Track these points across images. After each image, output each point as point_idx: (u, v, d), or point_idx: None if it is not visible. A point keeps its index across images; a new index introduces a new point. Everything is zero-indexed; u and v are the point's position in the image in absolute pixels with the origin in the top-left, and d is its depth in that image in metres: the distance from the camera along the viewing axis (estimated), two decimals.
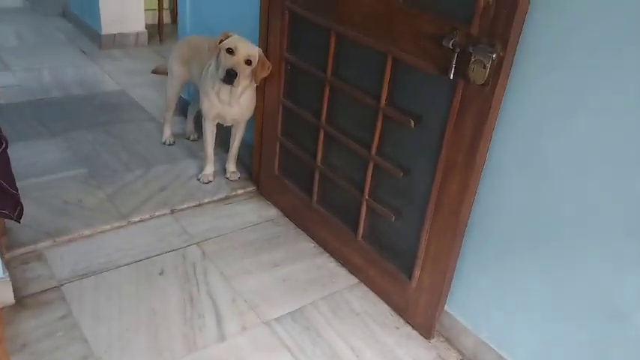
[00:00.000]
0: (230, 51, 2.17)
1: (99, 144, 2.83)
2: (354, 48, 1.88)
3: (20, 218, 1.08)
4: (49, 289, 1.89)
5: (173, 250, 2.15)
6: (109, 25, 4.19)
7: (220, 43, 2.20)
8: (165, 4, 4.64)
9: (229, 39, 2.20)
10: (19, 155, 2.53)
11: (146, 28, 4.43)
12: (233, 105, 2.37)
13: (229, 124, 2.52)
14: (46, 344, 1.69)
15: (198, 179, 2.59)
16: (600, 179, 1.36)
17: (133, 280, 1.98)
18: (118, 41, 4.27)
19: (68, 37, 4.40)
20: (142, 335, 1.77)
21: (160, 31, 4.52)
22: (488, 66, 1.44)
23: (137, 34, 4.35)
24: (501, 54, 1.42)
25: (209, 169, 2.61)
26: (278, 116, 2.32)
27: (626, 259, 1.34)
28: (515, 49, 1.43)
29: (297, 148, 2.28)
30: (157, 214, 2.33)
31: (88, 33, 4.39)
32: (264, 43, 2.27)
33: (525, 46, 1.42)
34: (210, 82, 2.35)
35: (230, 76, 2.16)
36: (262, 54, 2.23)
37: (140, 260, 2.08)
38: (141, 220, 2.29)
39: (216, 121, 2.50)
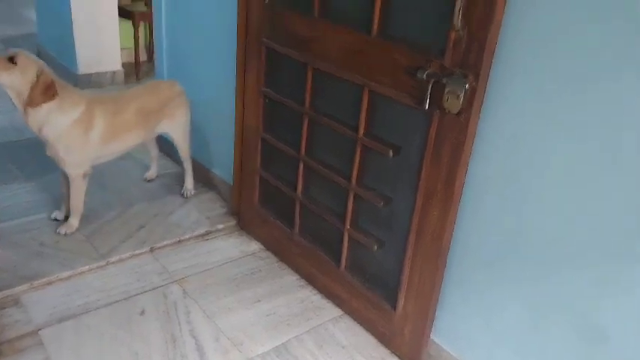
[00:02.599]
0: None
1: None
2: (331, 81, 1.91)
3: None
4: (26, 334, 1.84)
5: (153, 289, 2.11)
6: (85, 66, 4.18)
7: None
8: (142, 42, 4.67)
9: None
10: None
11: (122, 66, 4.44)
12: (40, 125, 2.18)
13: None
14: None
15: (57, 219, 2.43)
16: (576, 203, 1.39)
17: (113, 322, 1.93)
18: (94, 80, 4.26)
19: None
20: None
21: (137, 70, 4.54)
22: (462, 96, 1.48)
23: (114, 73, 4.35)
24: (474, 84, 1.47)
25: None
26: (257, 149, 2.33)
27: (605, 280, 1.37)
28: (487, 79, 1.48)
29: (277, 181, 2.29)
30: (136, 252, 2.29)
31: (64, 73, 4.34)
32: (242, 79, 2.29)
33: (497, 76, 1.47)
34: None
35: None
36: (45, 70, 2.12)
37: (120, 301, 2.03)
38: (120, 260, 2.25)
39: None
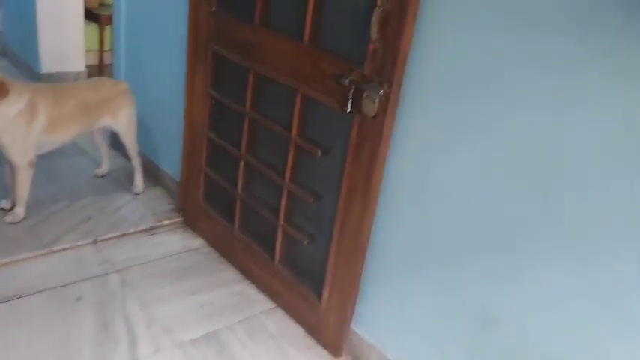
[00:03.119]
0: None
1: None
2: (270, 85, 2.04)
3: None
4: None
5: (92, 278, 2.19)
6: (48, 65, 4.24)
7: None
8: (107, 46, 4.74)
9: None
10: None
11: (87, 67, 4.51)
12: None
13: None
14: None
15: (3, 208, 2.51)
16: (473, 202, 1.54)
17: (47, 308, 2.00)
18: (57, 80, 4.31)
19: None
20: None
21: (101, 71, 4.61)
22: (377, 101, 1.62)
23: (77, 74, 4.42)
24: (388, 91, 1.61)
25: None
26: (203, 148, 2.44)
27: (496, 271, 1.52)
28: (401, 87, 1.62)
29: (220, 178, 2.40)
30: (79, 243, 2.36)
31: (27, 71, 4.42)
32: (191, 81, 2.41)
33: (410, 84, 1.62)
34: None
35: None
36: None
37: (57, 287, 2.10)
38: (62, 249, 2.32)
39: None
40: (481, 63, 1.46)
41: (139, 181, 2.85)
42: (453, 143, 1.56)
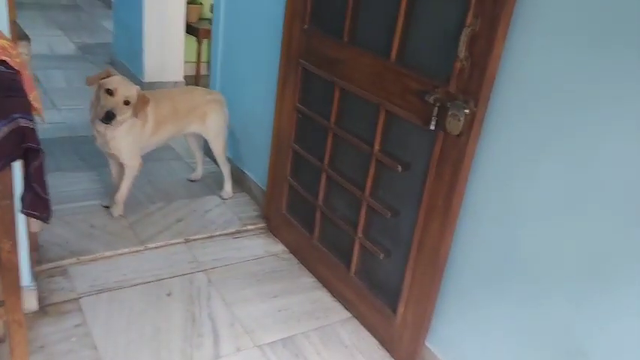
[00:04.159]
0: (110, 92, 2.33)
1: None
2: (354, 100, 2.11)
3: (47, 220, 1.29)
4: (68, 300, 2.10)
5: (182, 275, 2.35)
6: (150, 74, 4.58)
7: (101, 80, 2.37)
8: (204, 58, 5.04)
9: (110, 79, 2.36)
10: (56, 183, 2.82)
11: (185, 78, 4.82)
12: (110, 138, 2.49)
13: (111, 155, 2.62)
14: (61, 347, 1.88)
15: (105, 206, 2.70)
16: (563, 227, 1.50)
17: (142, 299, 2.17)
18: (157, 89, 4.66)
19: None
20: (145, 348, 1.94)
21: (197, 82, 4.91)
22: (462, 119, 1.63)
23: (175, 83, 4.73)
24: (474, 109, 1.62)
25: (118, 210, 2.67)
26: (288, 159, 2.55)
27: (585, 299, 1.47)
28: (487, 106, 1.62)
29: (302, 189, 2.49)
30: (171, 242, 2.54)
31: (132, 80, 4.78)
32: (281, 94, 2.53)
33: (496, 103, 1.61)
34: (93, 115, 2.48)
35: (109, 117, 2.31)
36: (141, 91, 2.44)
37: (151, 282, 2.28)
38: (156, 247, 2.50)
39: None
40: (572, 83, 1.43)
41: (228, 187, 3.01)
42: (540, 165, 1.54)
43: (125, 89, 2.38)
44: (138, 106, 2.43)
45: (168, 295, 2.22)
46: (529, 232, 1.60)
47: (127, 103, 2.38)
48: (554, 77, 1.47)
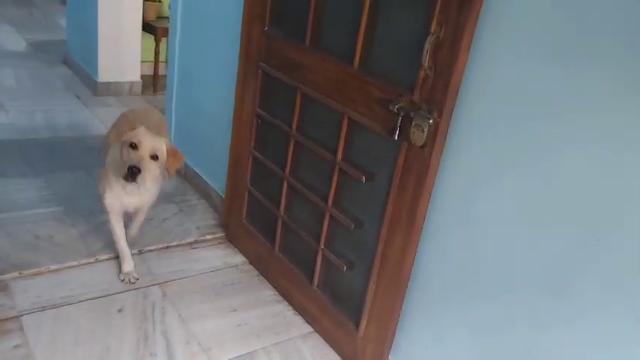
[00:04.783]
0: (134, 145, 1.97)
1: (80, 185, 2.94)
2: (317, 107, 2.03)
3: None
4: (8, 318, 1.95)
5: (135, 289, 2.22)
6: (105, 74, 4.40)
7: (124, 134, 2.01)
8: (162, 57, 4.88)
9: (134, 132, 2.00)
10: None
11: (142, 78, 4.66)
12: (137, 195, 2.19)
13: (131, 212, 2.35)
14: None
15: (122, 280, 2.26)
16: (521, 239, 1.47)
17: (91, 316, 2.04)
18: (113, 89, 4.48)
19: (66, 83, 4.60)
20: None
21: (155, 82, 4.74)
22: (426, 130, 1.58)
23: (132, 83, 4.56)
24: (438, 120, 1.57)
25: (128, 265, 2.29)
26: (248, 166, 2.45)
27: (545, 315, 1.43)
28: (451, 117, 1.58)
29: (263, 198, 2.40)
30: None
31: (86, 80, 4.60)
32: (240, 98, 2.43)
33: (461, 114, 1.57)
34: (115, 173, 2.10)
35: (133, 174, 1.92)
36: (170, 145, 2.09)
37: (101, 297, 2.14)
38: (108, 259, 2.37)
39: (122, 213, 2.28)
40: (536, 95, 1.39)
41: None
42: (503, 177, 1.50)
43: (152, 141, 2.00)
44: (170, 162, 2.06)
45: (120, 311, 2.09)
46: (491, 245, 1.56)
47: (154, 157, 2.01)
48: (518, 89, 1.43)
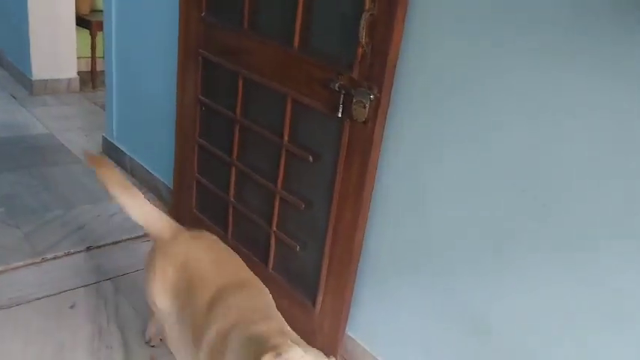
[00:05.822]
0: None
1: (21, 185, 2.84)
2: (260, 91, 2.05)
3: None
4: None
5: (86, 286, 2.18)
6: (40, 71, 4.24)
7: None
8: (99, 52, 4.73)
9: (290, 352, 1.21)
10: None
11: (80, 74, 4.51)
12: None
13: None
14: None
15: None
16: (465, 207, 1.54)
17: (42, 315, 1.99)
18: (49, 87, 4.32)
19: (0, 84, 4.41)
20: None
21: (93, 78, 4.61)
22: (368, 106, 1.63)
23: (69, 80, 4.42)
24: (378, 95, 1.62)
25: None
26: (194, 155, 2.44)
27: (490, 279, 1.52)
28: (391, 92, 1.63)
29: (212, 186, 2.40)
30: (72, 251, 2.36)
31: (20, 79, 4.42)
32: (182, 87, 2.41)
33: (400, 90, 1.62)
34: None
35: None
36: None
37: (51, 295, 2.09)
38: (55, 257, 2.31)
39: None
40: (470, 68, 1.46)
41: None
42: (444, 149, 1.56)
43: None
44: None
45: (72, 307, 2.05)
46: (436, 216, 1.63)
47: None
48: (452, 62, 1.49)
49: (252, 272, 1.66)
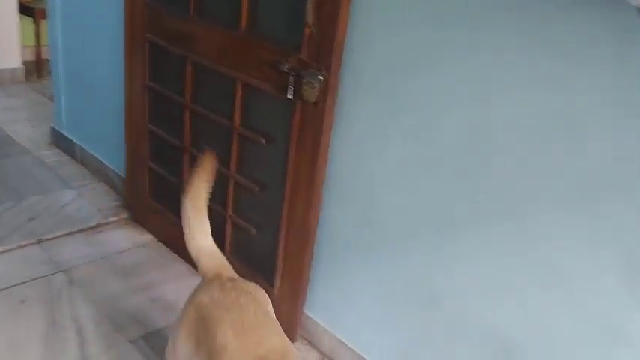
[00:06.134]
0: None
1: None
2: (210, 75, 2.03)
3: None
4: None
5: (38, 278, 2.13)
6: None
7: None
8: (44, 41, 4.56)
9: None
10: None
11: (25, 64, 4.34)
12: None
13: None
14: None
15: None
16: (415, 188, 1.58)
17: None
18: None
19: None
20: None
21: (39, 67, 4.44)
22: (317, 86, 1.64)
23: (14, 70, 4.25)
24: (327, 76, 1.63)
25: None
26: (145, 142, 2.40)
27: (436, 250, 1.57)
28: (339, 72, 1.64)
29: (165, 172, 2.37)
30: (23, 243, 2.29)
31: None
32: (130, 74, 2.36)
33: (349, 70, 1.64)
34: None
35: None
36: None
37: (2, 289, 2.04)
38: (5, 251, 2.24)
39: None
40: (414, 50, 1.49)
41: None
42: (391, 129, 1.59)
43: None
44: None
45: (23, 302, 2.00)
46: (385, 196, 1.66)
47: None
48: (398, 43, 1.52)
49: (285, 340, 1.35)
